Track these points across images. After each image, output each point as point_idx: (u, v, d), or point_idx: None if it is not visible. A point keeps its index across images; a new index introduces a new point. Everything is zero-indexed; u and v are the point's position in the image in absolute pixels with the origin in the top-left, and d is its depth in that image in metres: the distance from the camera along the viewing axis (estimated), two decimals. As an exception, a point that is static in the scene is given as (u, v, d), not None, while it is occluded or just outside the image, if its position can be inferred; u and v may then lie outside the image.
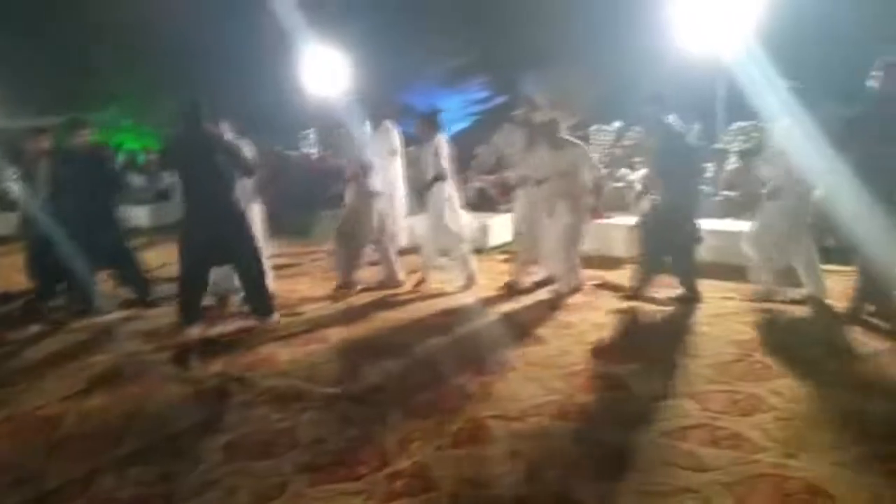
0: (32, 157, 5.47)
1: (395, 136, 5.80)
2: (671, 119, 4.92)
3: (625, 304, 4.98)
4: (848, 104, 4.52)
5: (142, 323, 5.01)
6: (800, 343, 4.02)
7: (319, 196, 9.01)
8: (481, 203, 7.86)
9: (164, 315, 5.01)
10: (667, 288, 5.09)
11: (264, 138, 5.88)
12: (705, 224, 5.25)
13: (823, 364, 3.63)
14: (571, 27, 14.90)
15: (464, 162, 6.39)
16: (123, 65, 17.06)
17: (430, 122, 5.77)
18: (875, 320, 4.30)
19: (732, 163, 7.48)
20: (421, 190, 5.74)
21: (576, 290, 5.33)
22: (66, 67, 16.62)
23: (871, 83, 4.18)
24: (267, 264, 5.11)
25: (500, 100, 17.78)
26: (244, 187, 4.99)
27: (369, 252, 5.91)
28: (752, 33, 7.15)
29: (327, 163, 10.19)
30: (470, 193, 6.91)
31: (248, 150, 4.94)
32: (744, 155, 7.12)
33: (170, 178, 5.87)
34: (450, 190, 5.64)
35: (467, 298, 5.41)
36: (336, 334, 4.57)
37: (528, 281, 5.65)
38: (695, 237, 4.90)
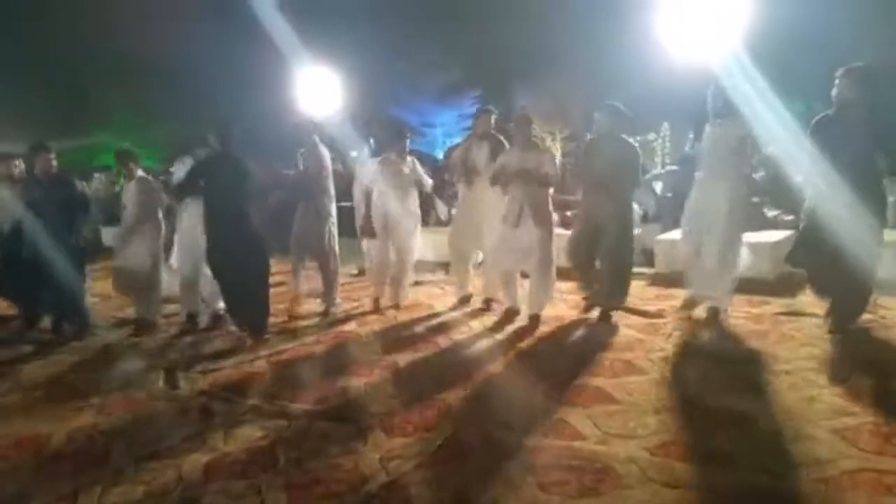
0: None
1: (324, 155, 5.63)
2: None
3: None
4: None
5: (132, 341, 5.05)
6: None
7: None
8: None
9: (155, 334, 5.02)
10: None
11: (267, 157, 5.91)
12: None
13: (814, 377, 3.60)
14: (564, 41, 15.03)
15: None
16: (118, 88, 17.23)
17: (400, 139, 5.78)
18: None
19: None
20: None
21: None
22: (63, 91, 16.80)
23: (834, 91, 4.24)
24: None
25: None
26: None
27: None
28: (741, 40, 7.19)
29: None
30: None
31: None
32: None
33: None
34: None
35: (454, 314, 5.42)
36: (322, 352, 4.57)
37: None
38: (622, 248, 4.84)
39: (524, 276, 5.19)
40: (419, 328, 5.10)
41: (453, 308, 5.64)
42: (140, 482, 2.79)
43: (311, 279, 5.93)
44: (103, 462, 3.01)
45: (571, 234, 5.12)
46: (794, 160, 4.60)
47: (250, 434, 3.21)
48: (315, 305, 5.81)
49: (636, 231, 6.97)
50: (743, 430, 2.95)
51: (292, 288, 5.79)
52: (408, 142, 5.87)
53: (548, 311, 5.08)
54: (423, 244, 6.12)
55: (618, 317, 4.95)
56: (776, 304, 4.98)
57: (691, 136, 6.14)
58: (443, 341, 4.69)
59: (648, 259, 6.88)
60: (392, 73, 17.92)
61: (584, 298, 5.15)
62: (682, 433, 2.98)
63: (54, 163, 5.29)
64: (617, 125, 4.94)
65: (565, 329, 4.85)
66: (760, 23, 7.28)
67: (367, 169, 5.91)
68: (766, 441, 2.85)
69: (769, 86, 6.35)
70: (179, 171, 5.44)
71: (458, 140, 15.97)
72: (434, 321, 5.31)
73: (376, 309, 5.64)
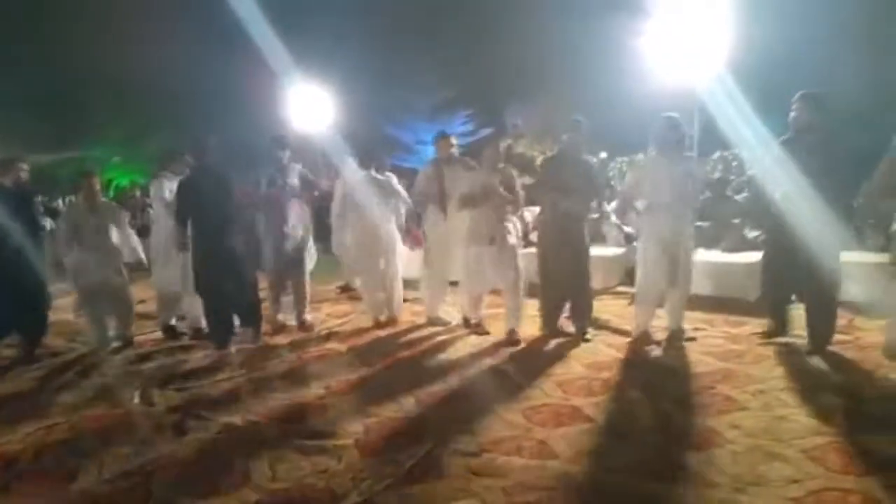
0: None
1: (294, 173, 5.60)
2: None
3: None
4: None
5: (108, 357, 5.03)
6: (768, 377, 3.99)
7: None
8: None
9: (130, 350, 5.04)
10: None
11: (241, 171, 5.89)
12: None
13: (786, 397, 3.63)
14: (555, 61, 15.21)
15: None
16: (113, 104, 17.32)
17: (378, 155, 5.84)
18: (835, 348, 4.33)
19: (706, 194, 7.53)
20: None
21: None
22: (60, 106, 16.87)
23: (791, 114, 4.33)
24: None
25: (485, 131, 18.09)
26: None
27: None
28: (725, 63, 7.31)
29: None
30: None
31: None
32: (714, 185, 7.20)
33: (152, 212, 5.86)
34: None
35: (433, 330, 5.43)
36: (299, 369, 4.56)
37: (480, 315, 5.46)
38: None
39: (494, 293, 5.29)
40: (399, 344, 5.09)
41: (429, 324, 5.62)
42: (107, 500, 2.79)
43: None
44: (72, 480, 2.99)
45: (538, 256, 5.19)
46: (775, 181, 4.66)
47: (223, 452, 3.20)
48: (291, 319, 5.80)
49: (621, 251, 7.03)
50: (715, 450, 2.97)
51: (272, 311, 5.76)
52: (387, 158, 5.92)
53: (523, 331, 5.08)
54: (408, 261, 6.14)
55: (601, 336, 5.00)
56: (754, 325, 5.01)
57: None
58: (421, 359, 4.70)
59: (631, 278, 6.88)
60: (386, 92, 18.07)
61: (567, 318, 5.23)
62: (654, 453, 2.99)
63: (24, 175, 5.17)
64: (580, 141, 5.10)
65: (543, 347, 4.86)
66: (742, 42, 7.42)
67: (347, 184, 5.90)
68: (737, 461, 2.86)
69: (751, 106, 6.48)
70: (156, 188, 5.49)
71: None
72: (413, 336, 5.32)
73: (377, 326, 5.65)
